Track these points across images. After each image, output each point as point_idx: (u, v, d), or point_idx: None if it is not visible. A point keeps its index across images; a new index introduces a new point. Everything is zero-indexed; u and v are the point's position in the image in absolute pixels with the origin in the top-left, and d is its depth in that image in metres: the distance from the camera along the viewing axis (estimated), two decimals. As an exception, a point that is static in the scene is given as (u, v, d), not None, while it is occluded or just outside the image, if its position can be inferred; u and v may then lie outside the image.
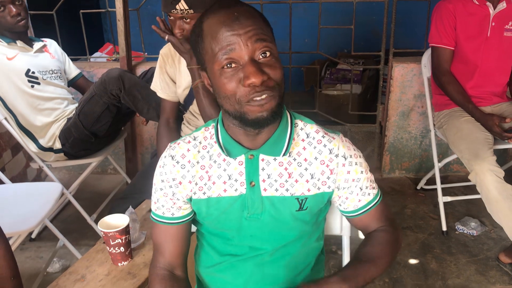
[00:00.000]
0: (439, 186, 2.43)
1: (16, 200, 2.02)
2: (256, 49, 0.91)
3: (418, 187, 2.82)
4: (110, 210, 1.95)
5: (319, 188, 1.05)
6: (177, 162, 1.07)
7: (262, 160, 1.04)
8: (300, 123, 1.07)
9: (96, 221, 2.42)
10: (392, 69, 2.76)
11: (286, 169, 1.04)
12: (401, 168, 2.97)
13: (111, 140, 2.44)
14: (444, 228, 2.40)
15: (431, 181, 2.72)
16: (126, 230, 1.44)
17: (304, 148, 1.05)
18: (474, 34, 2.23)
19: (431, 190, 2.75)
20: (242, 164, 1.04)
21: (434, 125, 2.47)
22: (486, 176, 1.96)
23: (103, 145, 2.38)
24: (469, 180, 2.07)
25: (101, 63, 2.95)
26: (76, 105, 2.32)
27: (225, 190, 1.05)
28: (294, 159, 1.04)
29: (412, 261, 2.23)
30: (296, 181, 1.04)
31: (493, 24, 2.21)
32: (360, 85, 3.89)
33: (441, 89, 2.31)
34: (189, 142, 1.08)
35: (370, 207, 1.11)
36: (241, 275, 1.13)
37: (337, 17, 3.09)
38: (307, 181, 1.04)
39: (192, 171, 1.06)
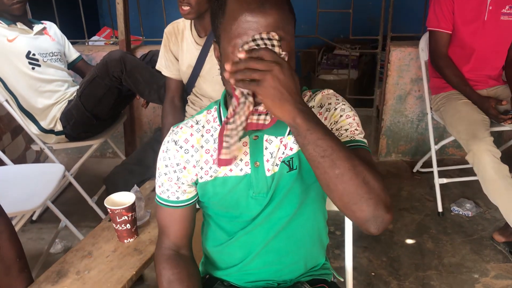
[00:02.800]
0: (435, 168, 2.48)
1: (18, 181, 2.03)
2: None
3: (414, 170, 2.87)
4: (112, 182, 1.97)
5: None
6: (181, 147, 1.08)
7: (266, 140, 1.05)
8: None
9: (97, 203, 2.44)
10: (389, 53, 2.78)
11: (286, 144, 1.05)
12: (398, 151, 3.01)
13: (111, 123, 2.45)
14: (440, 209, 2.45)
15: (427, 164, 2.77)
16: (132, 208, 1.47)
17: None
18: (472, 18, 2.26)
19: (427, 173, 2.80)
20: (246, 145, 1.05)
21: (431, 108, 2.51)
22: (483, 156, 2.01)
23: (103, 127, 2.39)
24: (464, 163, 2.12)
25: (100, 47, 2.95)
26: (77, 87, 2.33)
27: (231, 170, 1.06)
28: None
29: (409, 241, 2.28)
30: (291, 148, 1.04)
31: (490, 8, 2.24)
32: (357, 71, 3.91)
33: (439, 73, 2.35)
34: (191, 126, 1.09)
35: (354, 145, 0.99)
36: (248, 248, 1.15)
37: (335, 3, 3.10)
38: (294, 142, 1.04)
39: (196, 156, 1.07)
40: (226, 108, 1.07)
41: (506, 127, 2.23)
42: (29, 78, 2.21)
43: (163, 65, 1.95)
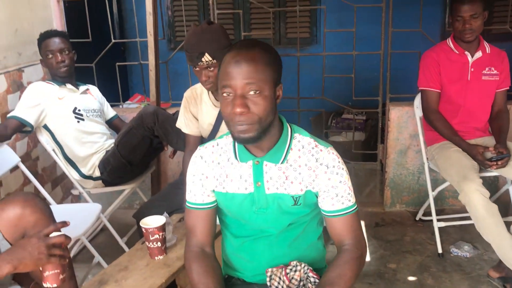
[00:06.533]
0: (433, 211, 2.71)
1: (59, 217, 2.32)
2: (245, 88, 1.23)
3: (417, 218, 3.08)
4: (142, 216, 2.24)
5: (307, 188, 1.35)
6: (205, 162, 1.41)
7: (266, 165, 1.36)
8: (298, 136, 1.38)
9: (127, 244, 2.71)
10: (389, 112, 3.11)
11: (284, 172, 1.35)
12: (401, 202, 3.24)
13: (142, 171, 2.78)
14: (440, 250, 2.65)
15: (429, 213, 2.98)
16: (163, 228, 1.74)
17: (299, 157, 1.36)
18: (456, 78, 2.59)
19: (429, 221, 2.99)
20: (250, 167, 1.36)
21: (427, 158, 2.78)
22: (474, 196, 2.24)
23: (135, 174, 2.72)
24: (463, 211, 2.32)
25: (133, 109, 3.35)
26: (113, 140, 2.69)
27: (238, 188, 1.37)
28: (291, 165, 1.35)
29: (411, 278, 2.47)
30: (292, 182, 1.35)
31: (472, 69, 2.58)
32: (364, 133, 4.25)
33: (431, 126, 2.65)
34: (213, 146, 1.42)
35: (341, 214, 1.35)
36: (255, 255, 1.44)
37: (341, 72, 3.50)
38: (300, 182, 1.35)
39: (215, 170, 1.40)
40: None
41: (493, 172, 2.48)
42: (74, 130, 2.57)
43: (183, 124, 2.26)
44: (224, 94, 1.25)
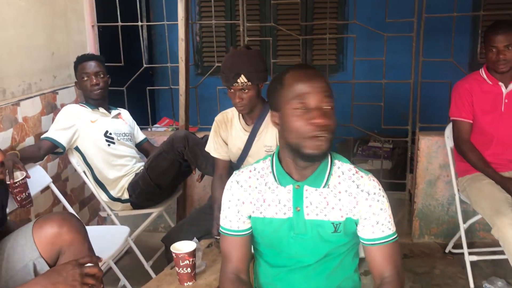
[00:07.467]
0: (465, 245, 2.64)
1: (90, 238, 2.33)
2: (323, 101, 1.25)
3: (446, 251, 3.01)
4: (170, 240, 2.24)
5: (347, 215, 1.33)
6: (241, 186, 1.39)
7: (306, 190, 1.35)
8: (337, 163, 1.38)
9: (152, 267, 2.70)
10: (418, 141, 3.08)
11: (325, 198, 1.34)
12: (430, 233, 3.18)
13: (169, 195, 2.79)
14: (472, 286, 2.57)
15: (459, 246, 2.91)
16: (193, 253, 1.73)
17: (339, 183, 1.35)
18: (489, 109, 2.55)
19: (459, 254, 2.92)
20: (290, 192, 1.35)
21: (458, 189, 2.73)
22: (507, 230, 2.18)
23: (163, 197, 2.73)
24: (495, 245, 2.26)
25: (161, 132, 3.39)
26: (143, 163, 2.71)
27: (276, 213, 1.36)
28: (331, 191, 1.34)
29: (442, 313, 2.40)
30: (332, 208, 1.34)
31: (506, 101, 2.54)
32: (390, 162, 4.20)
33: (463, 157, 2.60)
34: (250, 171, 1.41)
35: (382, 242, 1.33)
36: (291, 286, 1.40)
37: (368, 100, 3.50)
38: (340, 209, 1.33)
39: (252, 194, 1.38)
40: (279, 159, 1.37)
41: (528, 206, 2.41)
42: (104, 153, 2.61)
43: (212, 148, 2.29)
44: (298, 109, 1.25)
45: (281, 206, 1.35)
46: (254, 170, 1.41)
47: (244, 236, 1.42)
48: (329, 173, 1.35)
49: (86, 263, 1.43)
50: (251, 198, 1.38)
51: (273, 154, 1.42)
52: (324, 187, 1.33)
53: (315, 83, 1.26)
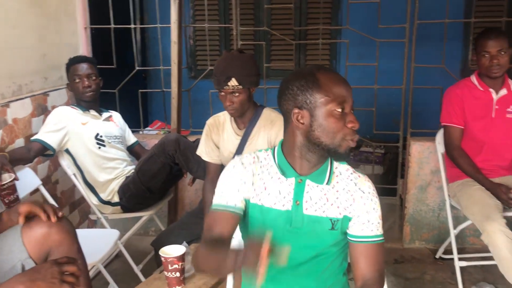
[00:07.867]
0: (455, 251, 2.64)
1: (80, 242, 2.31)
2: (352, 106, 1.31)
3: (437, 256, 3.01)
4: (160, 244, 2.22)
5: (345, 213, 1.36)
6: (245, 168, 1.39)
7: (308, 185, 1.36)
8: (336, 163, 1.41)
9: (142, 272, 2.68)
10: (410, 147, 3.09)
11: (325, 194, 1.36)
12: (421, 238, 3.18)
13: (160, 198, 2.77)
14: (461, 291, 2.58)
15: (450, 251, 2.91)
16: (182, 258, 1.72)
17: (337, 182, 1.38)
18: (481, 115, 2.57)
19: (449, 259, 2.93)
20: (291, 185, 1.36)
21: (448, 195, 2.74)
22: (497, 236, 2.19)
23: (153, 201, 2.71)
24: (485, 251, 2.27)
25: (153, 135, 3.37)
26: (133, 166, 2.70)
27: (275, 203, 1.36)
28: (332, 188, 1.37)
29: (432, 318, 2.40)
30: (332, 204, 1.35)
31: (497, 107, 2.56)
32: (382, 167, 4.21)
33: (454, 163, 2.61)
34: (253, 158, 1.41)
35: (369, 241, 1.35)
36: (281, 285, 1.39)
37: (360, 105, 3.50)
38: (338, 206, 1.35)
39: (254, 178, 1.38)
40: (282, 151, 1.39)
41: (517, 212, 2.43)
42: (95, 155, 2.59)
43: (204, 152, 2.28)
44: (337, 111, 1.27)
45: (281, 198, 1.36)
46: (257, 158, 1.41)
47: (237, 214, 1.36)
48: (331, 171, 1.38)
49: (66, 262, 1.42)
50: (252, 181, 1.38)
51: (274, 147, 1.42)
52: (327, 184, 1.37)
53: (349, 89, 1.30)
